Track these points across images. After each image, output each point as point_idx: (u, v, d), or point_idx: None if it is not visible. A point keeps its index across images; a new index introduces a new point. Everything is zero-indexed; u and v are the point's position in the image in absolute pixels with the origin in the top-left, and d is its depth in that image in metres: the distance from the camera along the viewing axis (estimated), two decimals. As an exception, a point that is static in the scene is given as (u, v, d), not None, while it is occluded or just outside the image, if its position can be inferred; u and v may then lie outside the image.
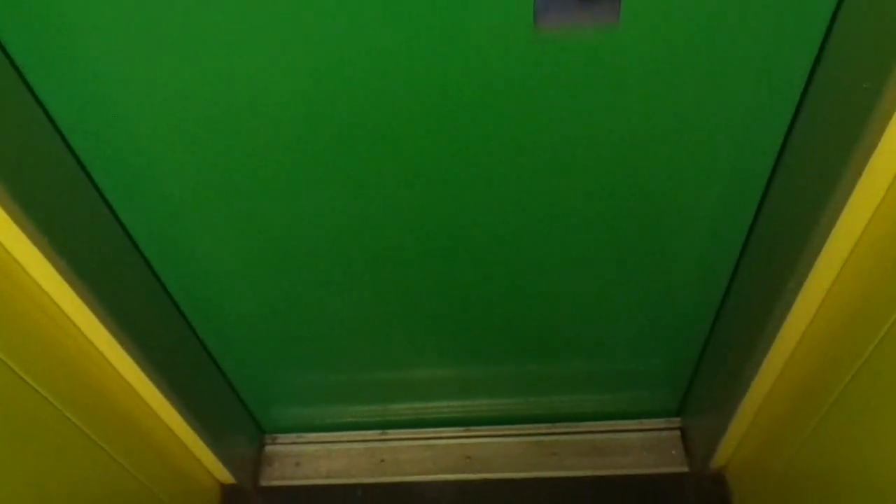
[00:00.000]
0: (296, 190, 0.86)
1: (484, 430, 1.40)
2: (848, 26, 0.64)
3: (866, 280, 0.78)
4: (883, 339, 0.75)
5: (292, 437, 1.43)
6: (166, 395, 1.04)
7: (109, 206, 0.87)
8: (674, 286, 1.04)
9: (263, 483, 1.39)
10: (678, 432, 1.38)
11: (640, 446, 1.36)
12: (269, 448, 1.43)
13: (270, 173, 0.83)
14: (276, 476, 1.40)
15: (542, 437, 1.38)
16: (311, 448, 1.42)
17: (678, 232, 0.93)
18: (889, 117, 0.62)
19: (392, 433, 1.42)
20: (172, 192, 0.85)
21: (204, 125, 0.76)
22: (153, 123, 0.76)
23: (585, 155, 0.82)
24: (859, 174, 0.68)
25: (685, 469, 1.33)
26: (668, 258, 0.98)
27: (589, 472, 1.33)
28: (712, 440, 1.22)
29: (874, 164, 0.67)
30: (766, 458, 1.12)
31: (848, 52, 0.65)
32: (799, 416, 0.98)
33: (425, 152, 0.81)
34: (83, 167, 0.81)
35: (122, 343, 0.92)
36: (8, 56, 0.68)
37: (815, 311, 0.89)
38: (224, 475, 1.33)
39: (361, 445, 1.41)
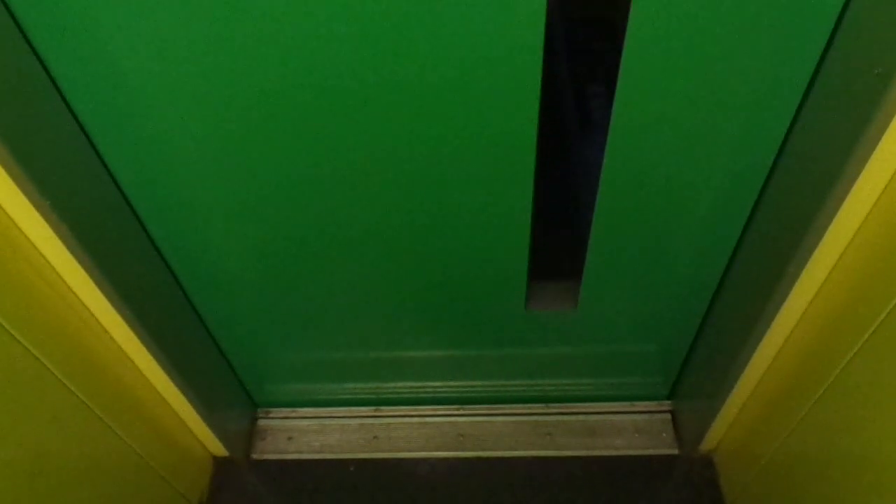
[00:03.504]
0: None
1: (477, 408, 1.40)
2: (861, 11, 0.64)
3: (864, 270, 0.78)
4: (877, 330, 0.76)
5: (285, 411, 1.44)
6: (162, 366, 1.04)
7: (111, 174, 0.86)
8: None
9: (255, 456, 1.39)
10: (669, 415, 1.39)
11: (631, 428, 1.37)
12: (261, 422, 1.44)
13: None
14: (269, 450, 1.40)
15: (535, 417, 1.39)
16: (303, 423, 1.43)
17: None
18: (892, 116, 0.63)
19: (385, 410, 1.42)
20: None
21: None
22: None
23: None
24: (866, 160, 0.69)
25: (675, 451, 1.35)
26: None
27: (581, 453, 1.35)
28: (702, 424, 1.24)
29: (881, 151, 0.67)
30: (755, 443, 1.14)
31: (860, 38, 0.65)
32: (789, 403, 0.99)
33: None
34: (88, 136, 0.80)
35: (120, 313, 0.91)
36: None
37: (812, 298, 0.89)
38: (216, 447, 1.33)
39: (355, 421, 1.42)
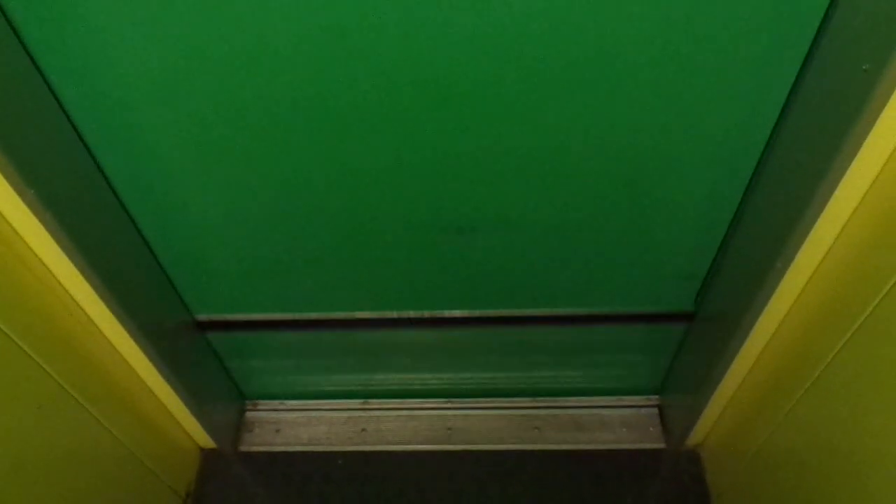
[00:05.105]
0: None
1: (466, 402, 1.41)
2: (848, 7, 0.64)
3: (848, 268, 0.79)
4: (860, 327, 0.76)
5: (273, 403, 1.43)
6: (150, 358, 1.03)
7: (98, 164, 0.85)
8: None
9: (243, 448, 1.39)
10: (656, 410, 1.40)
11: (619, 422, 1.38)
12: (249, 414, 1.43)
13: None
14: (256, 442, 1.40)
15: (523, 411, 1.40)
16: (291, 415, 1.43)
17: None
18: (887, 100, 0.63)
19: (374, 402, 1.42)
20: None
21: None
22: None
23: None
24: (852, 157, 0.69)
25: (662, 446, 1.36)
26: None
27: (569, 447, 1.36)
28: (689, 419, 1.24)
29: (867, 149, 0.68)
30: (741, 437, 1.15)
31: (848, 34, 0.65)
32: (775, 397, 0.99)
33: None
34: (74, 126, 0.79)
35: (107, 304, 0.91)
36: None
37: (798, 294, 0.90)
38: (204, 439, 1.33)
39: (343, 414, 1.42)
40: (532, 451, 1.36)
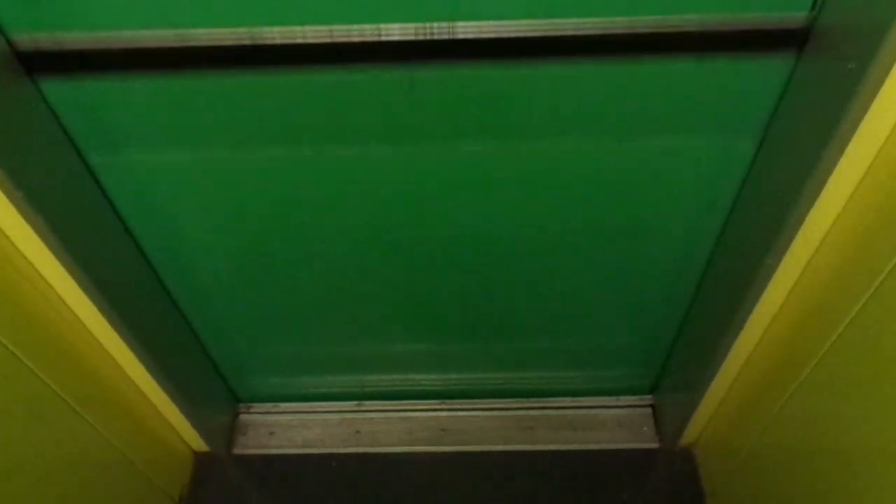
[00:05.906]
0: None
1: (459, 403, 1.41)
2: (833, 5, 0.65)
3: (836, 268, 0.79)
4: (851, 322, 0.77)
5: (267, 406, 1.43)
6: (142, 361, 1.03)
7: (89, 169, 0.85)
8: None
9: (237, 451, 1.39)
10: (650, 409, 1.40)
11: (612, 422, 1.38)
12: (243, 417, 1.43)
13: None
14: (250, 445, 1.40)
15: (517, 412, 1.40)
16: (285, 417, 1.42)
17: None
18: (872, 99, 0.63)
19: (368, 404, 1.42)
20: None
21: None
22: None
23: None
24: (839, 156, 0.69)
25: (656, 445, 1.36)
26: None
27: (562, 447, 1.36)
28: (682, 418, 1.25)
29: (853, 147, 0.68)
30: (734, 436, 1.15)
31: (833, 33, 0.66)
32: (767, 395, 1.00)
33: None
34: (65, 130, 0.79)
35: (100, 308, 0.90)
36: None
37: (788, 292, 0.90)
38: (198, 443, 1.33)
39: (337, 416, 1.41)
40: (526, 452, 1.36)
